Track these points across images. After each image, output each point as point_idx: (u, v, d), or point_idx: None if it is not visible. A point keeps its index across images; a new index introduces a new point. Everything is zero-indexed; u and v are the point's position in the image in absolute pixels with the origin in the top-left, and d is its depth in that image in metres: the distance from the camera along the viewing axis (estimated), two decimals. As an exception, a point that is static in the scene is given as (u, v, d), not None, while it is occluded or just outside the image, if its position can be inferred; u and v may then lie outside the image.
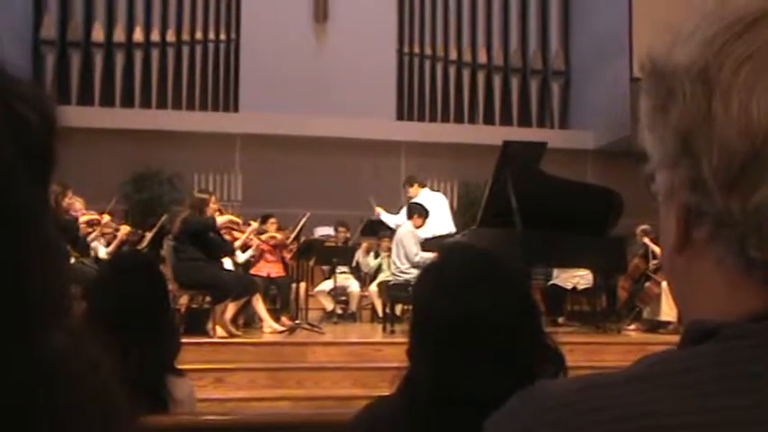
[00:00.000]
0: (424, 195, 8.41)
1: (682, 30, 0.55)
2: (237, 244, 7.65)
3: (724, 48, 0.52)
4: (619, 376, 0.52)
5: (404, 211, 8.16)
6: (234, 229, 7.56)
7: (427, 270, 1.42)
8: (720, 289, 0.54)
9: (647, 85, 0.57)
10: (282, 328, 7.32)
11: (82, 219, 7.42)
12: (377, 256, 9.48)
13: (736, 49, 0.51)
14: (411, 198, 8.41)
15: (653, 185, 0.58)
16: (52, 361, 0.52)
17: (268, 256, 8.22)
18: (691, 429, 0.47)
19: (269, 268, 8.14)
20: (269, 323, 7.18)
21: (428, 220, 7.77)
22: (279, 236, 8.27)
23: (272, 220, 8.48)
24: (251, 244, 8.02)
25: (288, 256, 8.42)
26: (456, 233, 7.95)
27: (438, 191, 9.45)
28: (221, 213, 7.44)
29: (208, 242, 6.70)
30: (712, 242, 0.53)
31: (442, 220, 8.17)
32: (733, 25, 0.52)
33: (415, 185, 8.58)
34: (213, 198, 7.10)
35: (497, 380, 1.13)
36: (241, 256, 7.89)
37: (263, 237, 8.09)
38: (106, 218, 7.89)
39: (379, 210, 9.03)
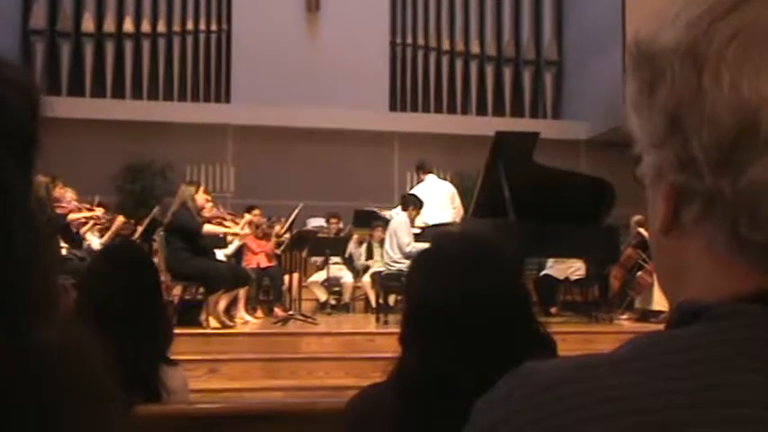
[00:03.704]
0: (430, 182, 8.39)
1: (666, 15, 0.55)
2: (230, 237, 7.67)
3: (711, 26, 0.52)
4: (606, 358, 0.52)
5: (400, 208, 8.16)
6: (224, 224, 7.59)
7: (421, 257, 1.42)
8: (708, 271, 0.53)
9: (634, 68, 0.57)
10: (256, 321, 7.38)
11: (72, 216, 7.39)
12: (369, 247, 9.48)
13: (723, 26, 0.51)
14: (421, 182, 8.43)
15: (639, 169, 0.58)
16: (40, 354, 0.51)
17: (254, 247, 8.25)
18: (685, 409, 0.47)
19: (258, 259, 8.19)
20: (241, 314, 7.18)
21: (423, 210, 7.76)
22: (255, 219, 8.25)
23: (255, 210, 8.46)
24: (237, 237, 8.03)
25: (272, 245, 8.44)
26: (450, 222, 7.96)
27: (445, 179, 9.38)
28: (210, 202, 7.46)
29: (195, 239, 6.70)
30: (702, 223, 0.53)
31: (441, 209, 8.14)
32: (718, 5, 0.52)
33: (421, 173, 8.57)
34: (202, 188, 7.10)
35: (488, 367, 1.13)
36: (229, 248, 7.90)
37: (244, 232, 8.07)
38: (99, 211, 7.86)
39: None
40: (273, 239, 8.52)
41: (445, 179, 10.49)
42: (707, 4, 0.53)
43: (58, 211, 7.07)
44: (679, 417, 0.47)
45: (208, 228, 7.07)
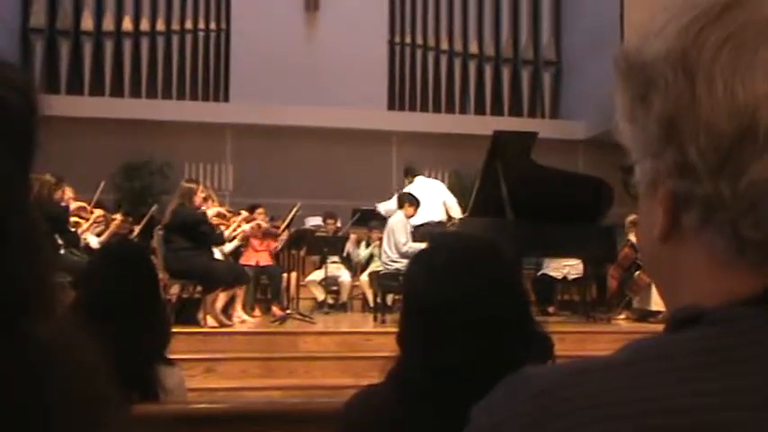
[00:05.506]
0: (419, 183, 8.40)
1: (652, 25, 0.56)
2: (227, 234, 7.66)
3: (701, 33, 0.52)
4: (604, 362, 0.52)
5: (395, 198, 8.18)
6: (221, 224, 7.60)
7: (418, 257, 1.42)
8: (708, 276, 0.54)
9: (624, 79, 0.57)
10: (253, 320, 7.39)
11: (74, 205, 7.37)
12: (368, 246, 9.48)
13: (714, 32, 0.52)
14: (410, 184, 8.45)
15: (632, 178, 0.58)
16: (38, 353, 0.51)
17: (256, 245, 8.24)
18: (685, 413, 0.47)
19: (257, 257, 8.16)
20: (239, 312, 7.18)
21: (420, 209, 7.75)
22: (264, 224, 8.26)
23: (259, 210, 8.48)
24: (238, 234, 8.02)
25: (274, 244, 8.42)
26: (449, 220, 7.97)
27: (432, 178, 9.44)
28: (209, 201, 7.46)
29: (198, 233, 6.70)
30: (702, 228, 0.53)
31: (436, 207, 8.14)
32: (706, 12, 0.53)
33: (410, 177, 8.57)
34: (201, 187, 7.10)
35: (487, 366, 1.13)
36: (228, 246, 7.91)
37: (249, 225, 8.08)
38: (98, 212, 7.84)
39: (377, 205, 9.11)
40: (282, 238, 8.49)
41: (443, 178, 10.52)
42: (694, 12, 0.53)
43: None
44: (679, 422, 0.47)
45: (210, 212, 7.09)
